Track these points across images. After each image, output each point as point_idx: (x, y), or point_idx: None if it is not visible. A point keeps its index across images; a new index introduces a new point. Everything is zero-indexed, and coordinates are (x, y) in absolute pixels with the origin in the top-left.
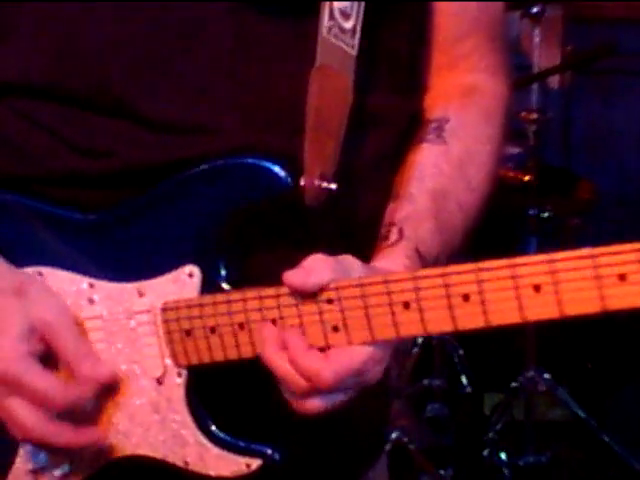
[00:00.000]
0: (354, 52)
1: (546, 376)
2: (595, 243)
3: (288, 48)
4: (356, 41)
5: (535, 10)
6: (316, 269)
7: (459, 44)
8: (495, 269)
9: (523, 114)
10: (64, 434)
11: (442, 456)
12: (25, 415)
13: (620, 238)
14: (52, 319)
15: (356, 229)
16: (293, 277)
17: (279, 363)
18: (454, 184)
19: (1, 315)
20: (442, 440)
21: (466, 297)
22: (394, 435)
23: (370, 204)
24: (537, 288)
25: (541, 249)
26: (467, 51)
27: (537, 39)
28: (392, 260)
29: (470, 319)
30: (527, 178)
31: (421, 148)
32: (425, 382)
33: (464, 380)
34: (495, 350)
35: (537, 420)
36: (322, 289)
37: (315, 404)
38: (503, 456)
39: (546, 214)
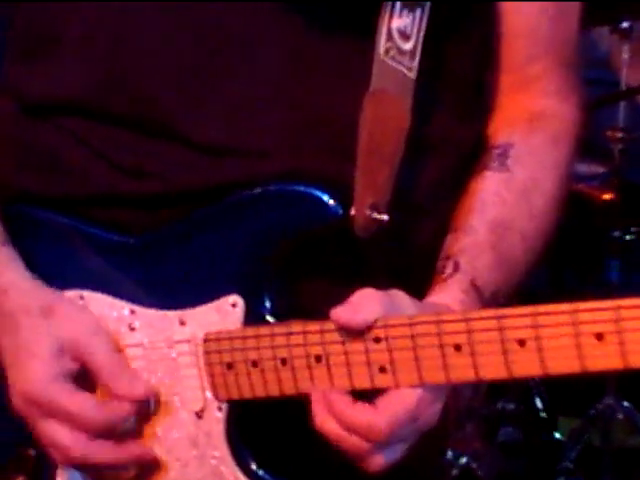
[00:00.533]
0: (413, 75)
1: (625, 404)
2: None
3: (342, 69)
4: (415, 63)
5: (625, 25)
6: (364, 305)
7: (529, 66)
8: (554, 314)
9: (609, 132)
10: (107, 451)
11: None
12: (62, 437)
13: None
14: (83, 337)
15: (411, 262)
16: (340, 313)
17: (330, 427)
18: (516, 213)
19: (30, 337)
20: (513, 466)
21: (522, 342)
22: (463, 460)
23: (426, 235)
24: (600, 337)
25: (623, 273)
26: (537, 73)
27: (626, 55)
28: (446, 294)
29: (526, 366)
30: (610, 197)
31: (483, 176)
32: (499, 405)
33: (539, 404)
34: (573, 374)
35: (614, 448)
36: (370, 327)
37: (378, 461)
38: None
39: (629, 236)
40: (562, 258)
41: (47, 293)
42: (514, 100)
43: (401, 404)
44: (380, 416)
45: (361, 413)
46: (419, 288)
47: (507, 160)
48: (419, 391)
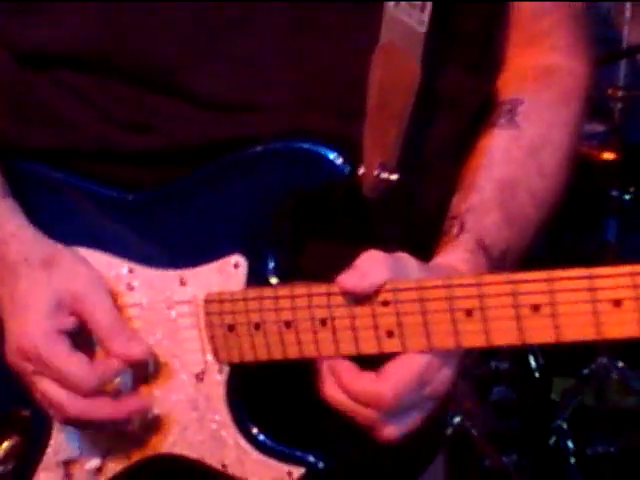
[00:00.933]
0: (423, 29)
1: (619, 364)
2: None
3: (349, 23)
4: (426, 17)
5: None
6: (371, 270)
7: (538, 21)
8: (571, 279)
9: (609, 91)
10: (103, 408)
11: (506, 442)
12: (57, 394)
13: None
14: (82, 290)
15: (419, 222)
16: (346, 279)
17: (337, 397)
18: (525, 171)
19: (28, 289)
20: (507, 425)
21: (536, 308)
22: (457, 419)
23: (435, 195)
24: (617, 303)
25: (621, 233)
26: (546, 28)
27: (627, 13)
28: (451, 255)
29: (539, 332)
30: (610, 157)
31: (491, 133)
32: (492, 364)
33: (533, 363)
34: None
35: (608, 408)
36: (378, 290)
37: (392, 430)
38: (570, 444)
39: (628, 195)
40: (560, 217)
41: (49, 244)
42: (522, 55)
43: (407, 370)
44: (386, 383)
45: (368, 383)
46: (426, 250)
47: (516, 117)
48: (427, 356)
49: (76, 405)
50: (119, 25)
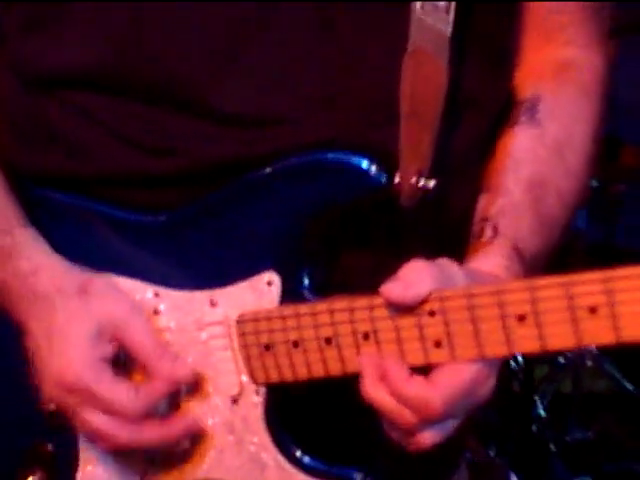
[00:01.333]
0: (448, 32)
1: (594, 350)
2: None
3: (375, 29)
4: (450, 19)
5: None
6: (416, 280)
7: (555, 15)
8: (629, 278)
9: None
10: (154, 430)
11: (486, 432)
12: (104, 424)
13: None
14: (121, 316)
15: (447, 226)
16: (391, 290)
17: (382, 398)
18: (552, 171)
19: (66, 320)
20: (487, 416)
21: (593, 310)
22: None
23: (463, 198)
24: None
25: (590, 221)
26: (563, 23)
27: None
28: (488, 261)
29: (597, 334)
30: None
31: (513, 132)
32: None
33: None
34: None
35: (584, 394)
36: (423, 300)
37: (428, 437)
38: (550, 432)
39: (593, 183)
40: None
41: (79, 272)
42: (539, 52)
43: (458, 379)
44: (436, 391)
45: (417, 386)
46: (454, 254)
47: (537, 114)
48: (476, 366)
49: (126, 432)
50: (136, 42)
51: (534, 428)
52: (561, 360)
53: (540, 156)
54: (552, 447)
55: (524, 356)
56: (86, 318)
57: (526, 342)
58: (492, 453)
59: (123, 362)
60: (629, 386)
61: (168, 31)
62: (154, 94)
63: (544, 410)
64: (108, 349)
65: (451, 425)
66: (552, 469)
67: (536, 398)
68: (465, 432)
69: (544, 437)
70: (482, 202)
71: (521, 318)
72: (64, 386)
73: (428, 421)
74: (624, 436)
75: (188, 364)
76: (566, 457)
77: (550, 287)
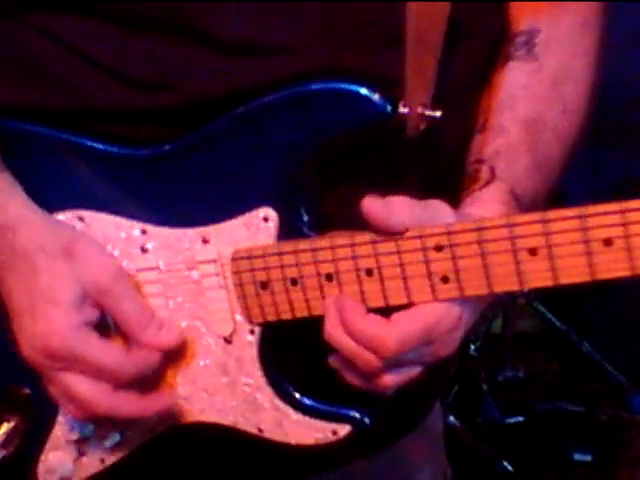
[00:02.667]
0: None
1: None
2: None
3: None
4: None
5: None
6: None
7: None
8: None
9: None
10: (130, 404)
11: None
12: (85, 390)
13: None
14: (107, 282)
15: (444, 158)
16: (371, 204)
17: (340, 337)
18: (549, 108)
19: (51, 281)
20: None
21: (608, 242)
22: None
23: (458, 129)
24: None
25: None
26: None
27: None
28: (483, 206)
29: (612, 267)
30: None
31: (509, 67)
32: None
33: None
34: None
35: (514, 333)
36: (430, 234)
37: (387, 380)
38: (482, 372)
39: None
40: None
41: (64, 230)
42: None
43: (416, 321)
44: (392, 330)
45: (372, 325)
46: (451, 188)
47: (534, 48)
48: (440, 310)
49: (105, 401)
50: None
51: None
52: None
53: (537, 93)
54: (484, 387)
55: None
56: (71, 281)
57: (538, 276)
58: None
59: (108, 328)
60: (559, 324)
61: None
62: (143, 19)
63: (476, 350)
64: (93, 313)
65: (412, 371)
66: (485, 408)
67: (468, 337)
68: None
69: (476, 377)
70: (478, 141)
71: (533, 251)
72: (48, 350)
73: (386, 363)
74: (554, 374)
75: (175, 329)
76: (498, 396)
77: (564, 220)
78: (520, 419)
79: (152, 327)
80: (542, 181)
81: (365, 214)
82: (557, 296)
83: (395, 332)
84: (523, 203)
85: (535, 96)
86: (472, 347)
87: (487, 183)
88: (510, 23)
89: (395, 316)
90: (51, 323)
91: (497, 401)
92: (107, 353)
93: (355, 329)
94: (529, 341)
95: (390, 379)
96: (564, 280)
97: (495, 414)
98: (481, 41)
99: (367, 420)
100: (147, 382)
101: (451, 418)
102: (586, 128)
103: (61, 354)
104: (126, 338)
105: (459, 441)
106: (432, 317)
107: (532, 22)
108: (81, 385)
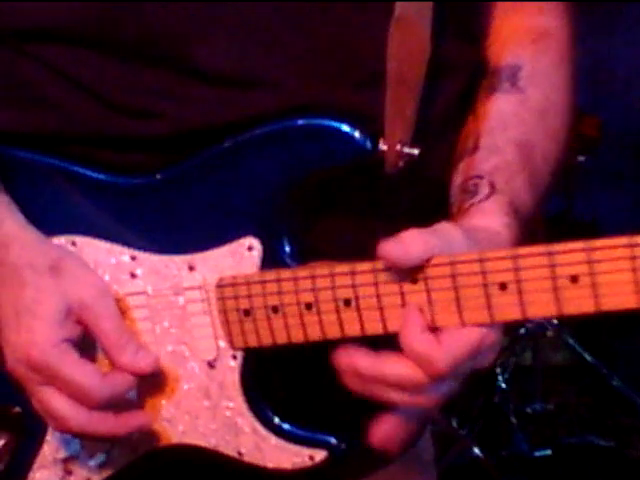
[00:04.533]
0: None
1: (554, 321)
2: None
3: None
4: None
5: None
6: (414, 244)
7: None
8: (610, 248)
9: None
10: (105, 423)
11: (449, 404)
12: (61, 407)
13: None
14: (90, 300)
15: (426, 191)
16: (390, 250)
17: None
18: (537, 134)
19: (36, 296)
20: None
21: (575, 279)
22: None
23: (440, 163)
24: None
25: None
26: None
27: None
28: (487, 218)
29: (578, 303)
30: None
31: (496, 97)
32: None
33: None
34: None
35: (544, 365)
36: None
37: (430, 397)
38: (510, 405)
39: None
40: None
41: (53, 248)
42: (513, 19)
43: (466, 341)
44: (441, 350)
45: (423, 344)
46: (433, 217)
47: (518, 82)
48: (484, 330)
49: (79, 419)
50: None
51: (495, 400)
52: (522, 331)
53: (525, 119)
54: (513, 419)
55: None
56: (55, 296)
57: (507, 310)
58: (455, 424)
59: (90, 347)
60: (589, 358)
61: None
62: (132, 49)
63: (505, 382)
64: (75, 330)
65: (452, 387)
66: (513, 441)
67: (497, 370)
68: None
69: (505, 409)
70: (471, 161)
71: (503, 286)
72: (28, 362)
73: (431, 380)
74: (584, 408)
75: (153, 355)
76: (527, 429)
77: (533, 256)
78: (548, 453)
79: (129, 349)
80: (535, 200)
81: (383, 259)
82: (588, 329)
83: (444, 352)
84: (521, 217)
85: (524, 123)
86: (500, 379)
87: (488, 196)
88: (492, 58)
89: (445, 335)
90: (33, 335)
91: (526, 434)
92: (82, 373)
93: (412, 345)
94: (560, 374)
95: (432, 395)
96: (532, 315)
97: (523, 447)
98: (459, 76)
99: (343, 446)
100: (130, 404)
101: (475, 450)
102: (564, 158)
103: (40, 367)
104: (110, 362)
105: (483, 474)
106: (480, 335)
107: (515, 58)
108: (57, 401)
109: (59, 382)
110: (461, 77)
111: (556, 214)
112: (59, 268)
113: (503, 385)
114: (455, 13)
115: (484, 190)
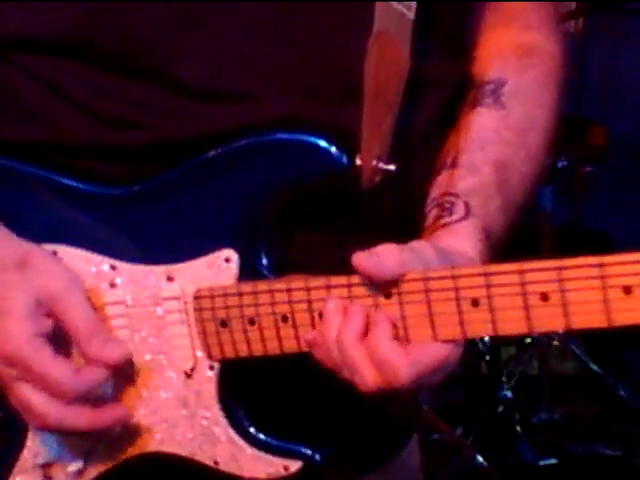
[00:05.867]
0: (412, 15)
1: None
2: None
3: (340, 9)
4: (414, 3)
5: None
6: (388, 259)
7: (510, 1)
8: (580, 267)
9: None
10: (84, 417)
11: (453, 412)
12: (38, 402)
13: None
14: (58, 291)
15: (405, 207)
16: (363, 262)
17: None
18: (515, 153)
19: (4, 293)
20: (452, 398)
21: (545, 296)
22: None
23: (420, 178)
24: (628, 290)
25: (557, 199)
26: (520, 7)
27: None
28: (461, 241)
29: (548, 321)
30: None
31: (477, 112)
32: None
33: None
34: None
35: (550, 375)
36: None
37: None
38: (516, 414)
39: (561, 163)
40: None
41: (19, 244)
42: (500, 35)
43: (433, 357)
44: (410, 363)
45: (393, 353)
46: (413, 234)
47: (501, 97)
48: (450, 346)
49: (56, 413)
50: (97, 8)
51: (500, 409)
52: (528, 341)
53: (505, 138)
54: (518, 428)
55: (491, 337)
56: (24, 291)
57: (479, 326)
58: (459, 433)
59: (65, 340)
60: (595, 367)
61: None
62: (116, 62)
63: (510, 391)
64: (47, 323)
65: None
66: (518, 450)
67: (503, 379)
68: (416, 408)
69: (510, 418)
70: (448, 176)
71: (475, 302)
72: (3, 358)
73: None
74: (590, 417)
75: (121, 347)
76: (532, 438)
77: (504, 273)
78: (553, 461)
79: (98, 340)
80: (507, 222)
81: (356, 270)
82: (595, 339)
83: (409, 365)
84: (492, 243)
85: (503, 140)
86: (505, 387)
87: (462, 218)
88: (477, 73)
89: (414, 348)
90: (6, 332)
91: (531, 443)
92: (55, 368)
93: (379, 351)
94: (567, 383)
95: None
96: (503, 331)
97: (528, 456)
98: (442, 93)
99: (318, 456)
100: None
101: (479, 458)
102: (543, 176)
103: (14, 362)
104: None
105: None
106: (446, 353)
107: (500, 73)
108: (34, 396)
109: (34, 377)
110: (445, 92)
111: (565, 224)
112: (26, 263)
113: (509, 394)
114: (441, 28)
115: (459, 211)
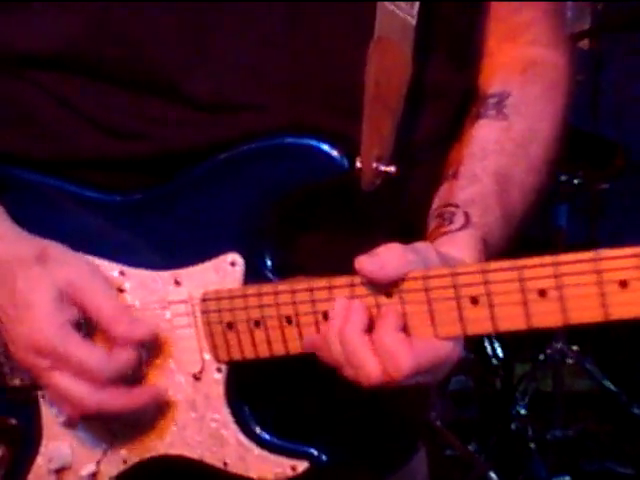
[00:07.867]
0: (413, 21)
1: (574, 348)
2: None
3: (342, 17)
4: (415, 9)
5: None
6: (391, 260)
7: (518, 14)
8: (576, 262)
9: None
10: (119, 398)
11: (467, 428)
12: (74, 388)
13: None
14: (79, 280)
15: (407, 212)
16: (365, 265)
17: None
18: (517, 164)
19: (28, 286)
20: (466, 414)
21: (543, 293)
22: None
23: (422, 185)
24: (624, 284)
25: (573, 216)
26: (527, 21)
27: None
28: (461, 250)
29: (547, 317)
30: None
31: (480, 124)
32: None
33: (490, 352)
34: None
35: (564, 392)
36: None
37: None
38: (530, 430)
39: (577, 180)
40: None
41: (37, 241)
42: (504, 48)
43: (434, 353)
44: (411, 355)
45: (400, 344)
46: (414, 239)
47: (504, 109)
48: (451, 344)
49: (94, 397)
50: (104, 22)
51: (514, 426)
52: (542, 358)
53: (506, 149)
54: (532, 445)
55: (505, 353)
56: (47, 284)
57: (479, 323)
58: (472, 449)
59: (91, 329)
60: (609, 385)
61: (138, 14)
62: (124, 77)
63: (524, 408)
64: (73, 312)
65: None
66: (531, 467)
67: (517, 396)
68: (423, 417)
69: (524, 435)
70: (449, 187)
71: (474, 300)
72: (35, 349)
73: (388, 379)
74: (604, 435)
75: (147, 325)
76: (546, 455)
77: (502, 270)
78: (567, 479)
79: (125, 320)
80: (507, 235)
81: (359, 272)
82: (609, 357)
83: (413, 358)
84: (491, 253)
85: (505, 151)
86: (519, 404)
87: (462, 228)
88: (481, 85)
89: (416, 342)
90: (34, 324)
91: (544, 460)
92: (90, 353)
93: (382, 339)
94: (581, 401)
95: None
96: (502, 328)
97: (542, 473)
98: (447, 103)
99: (324, 457)
100: None
101: (492, 475)
102: (545, 188)
103: (47, 351)
104: (107, 339)
105: None
106: (448, 350)
107: (503, 86)
108: (70, 383)
109: (68, 364)
110: (450, 102)
111: (581, 242)
112: (45, 256)
113: (523, 411)
114: (446, 39)
115: (459, 220)
